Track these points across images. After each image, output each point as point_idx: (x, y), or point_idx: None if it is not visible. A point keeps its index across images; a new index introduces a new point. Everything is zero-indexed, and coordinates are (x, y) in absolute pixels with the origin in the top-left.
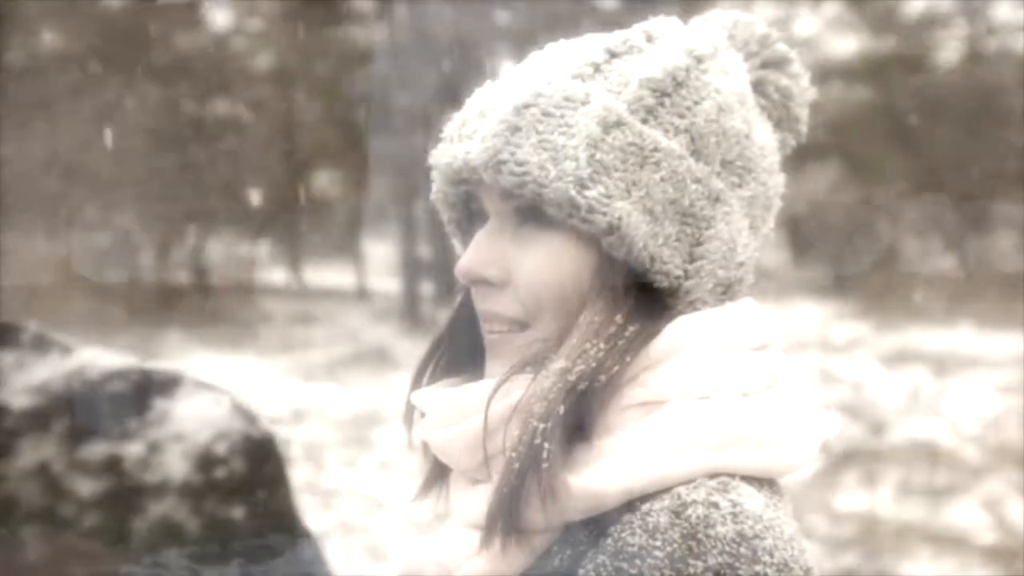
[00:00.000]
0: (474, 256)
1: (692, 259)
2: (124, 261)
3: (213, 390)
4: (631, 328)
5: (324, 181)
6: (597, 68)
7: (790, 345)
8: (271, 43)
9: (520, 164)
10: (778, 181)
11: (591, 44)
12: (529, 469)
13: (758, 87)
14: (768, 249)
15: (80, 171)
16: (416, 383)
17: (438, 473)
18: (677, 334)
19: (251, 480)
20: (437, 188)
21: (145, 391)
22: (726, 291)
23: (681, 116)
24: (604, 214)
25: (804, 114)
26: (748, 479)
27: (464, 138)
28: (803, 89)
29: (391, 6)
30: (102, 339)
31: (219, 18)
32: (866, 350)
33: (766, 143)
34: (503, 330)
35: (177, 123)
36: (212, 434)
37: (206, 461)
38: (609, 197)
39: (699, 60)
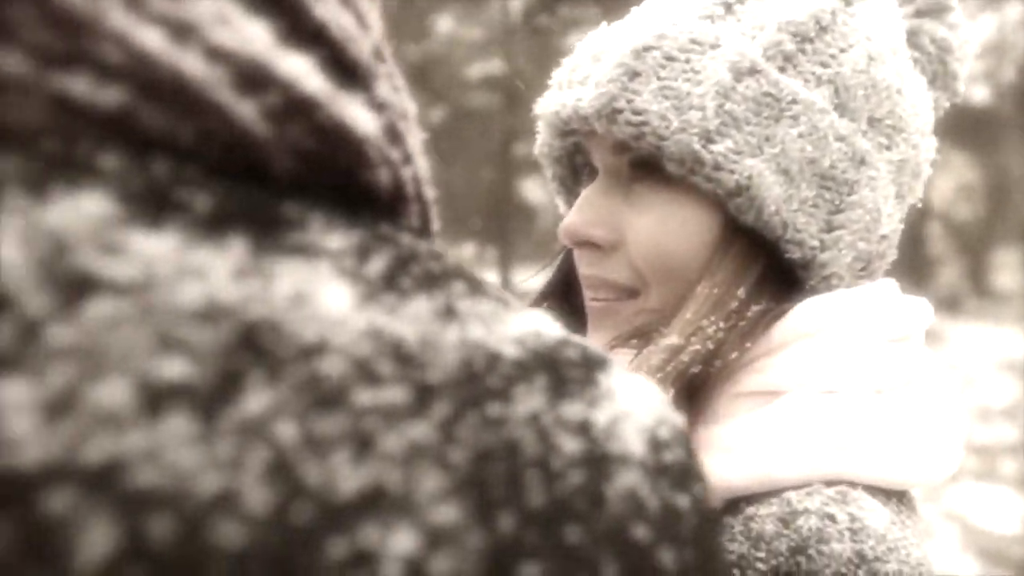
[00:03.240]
0: (581, 215)
1: (830, 228)
2: None
3: (638, 377)
4: (754, 307)
5: (534, 187)
6: (729, 8)
7: None
8: (491, 52)
9: (638, 113)
10: (930, 145)
11: None
12: None
13: (912, 38)
14: (1008, 270)
15: None
16: None
17: None
18: (805, 317)
19: (691, 471)
20: (542, 141)
21: (591, 363)
22: (865, 267)
23: (825, 65)
24: (732, 172)
25: (962, 71)
26: (873, 489)
27: (575, 84)
28: (963, 42)
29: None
30: None
31: (443, 27)
32: None
33: (919, 101)
34: (609, 298)
35: None
36: (655, 417)
37: (656, 442)
38: (738, 153)
39: (848, 2)
